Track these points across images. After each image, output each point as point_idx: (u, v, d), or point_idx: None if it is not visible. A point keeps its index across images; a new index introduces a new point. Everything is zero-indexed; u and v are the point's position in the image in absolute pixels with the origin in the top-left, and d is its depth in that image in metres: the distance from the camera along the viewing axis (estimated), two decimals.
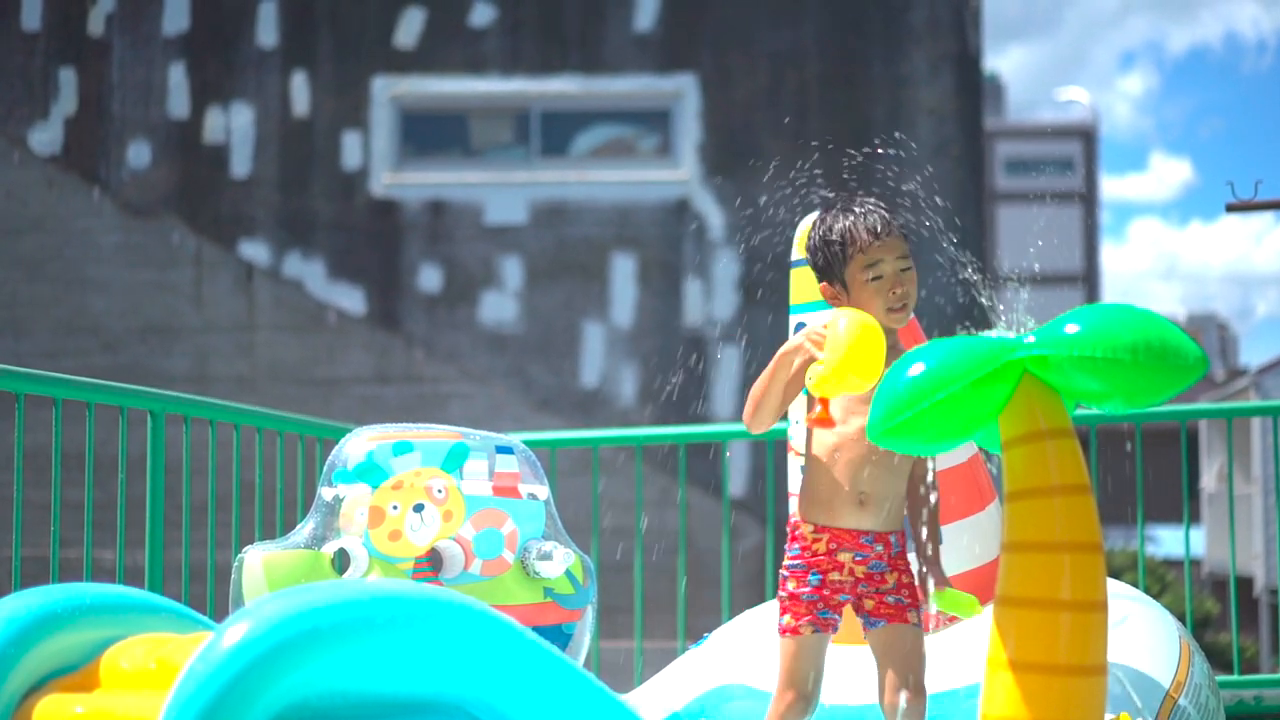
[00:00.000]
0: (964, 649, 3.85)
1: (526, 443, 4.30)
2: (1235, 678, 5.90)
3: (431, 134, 12.57)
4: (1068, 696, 2.64)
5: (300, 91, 12.30)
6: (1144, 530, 6.07)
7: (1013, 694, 2.65)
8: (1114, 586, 3.74)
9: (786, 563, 3.54)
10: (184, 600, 4.59)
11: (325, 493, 3.85)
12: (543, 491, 4.07)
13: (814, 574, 3.49)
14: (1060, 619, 2.65)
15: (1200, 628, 21.82)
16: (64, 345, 11.99)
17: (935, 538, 3.56)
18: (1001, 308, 2.96)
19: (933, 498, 3.56)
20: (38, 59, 12.36)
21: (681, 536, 6.34)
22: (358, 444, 3.89)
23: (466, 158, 12.68)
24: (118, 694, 2.64)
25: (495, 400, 12.03)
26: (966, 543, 4.14)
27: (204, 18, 12.34)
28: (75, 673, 2.73)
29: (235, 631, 2.20)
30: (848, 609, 3.52)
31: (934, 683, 3.61)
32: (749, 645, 4.35)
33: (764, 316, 11.43)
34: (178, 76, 12.31)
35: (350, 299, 12.17)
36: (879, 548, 3.49)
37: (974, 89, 12.30)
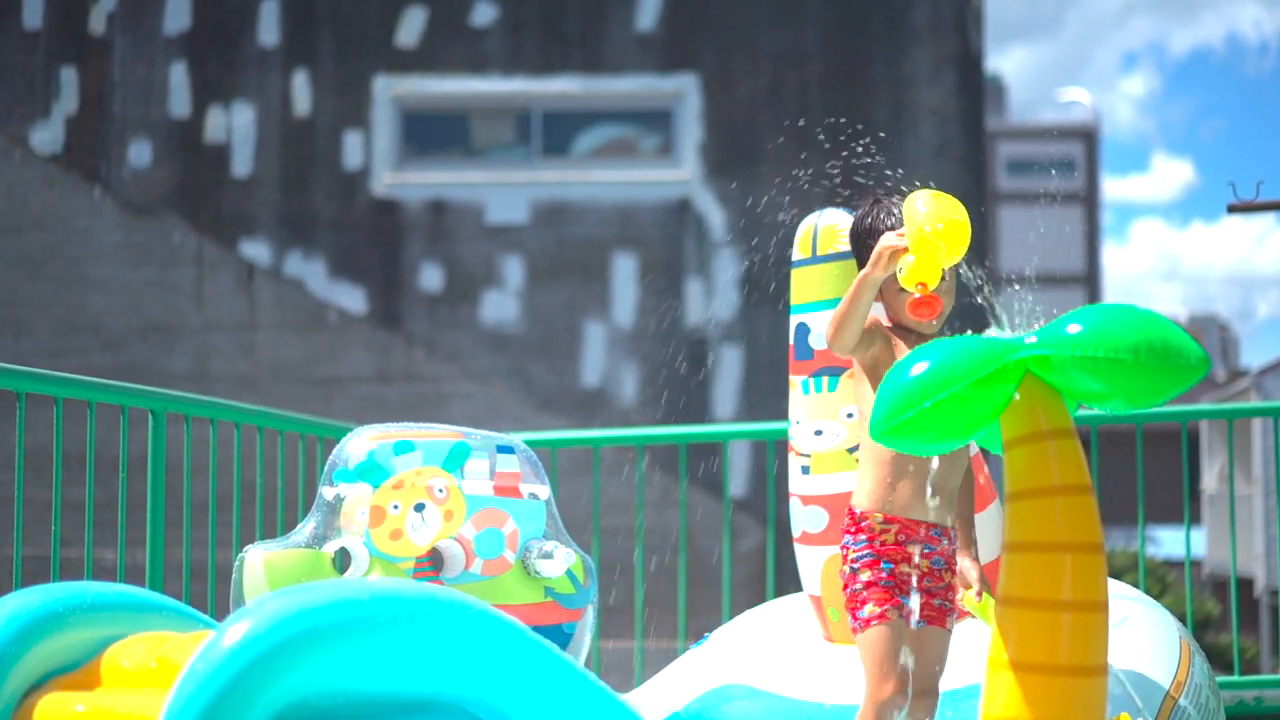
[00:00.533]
0: (964, 649, 3.84)
1: (527, 442, 4.30)
2: (1235, 678, 5.90)
3: (433, 133, 12.56)
4: (1068, 697, 2.64)
5: (301, 91, 12.29)
6: (1145, 531, 6.07)
7: (1013, 694, 2.65)
8: (1115, 587, 3.74)
9: (852, 555, 3.48)
10: (185, 599, 4.59)
11: (326, 492, 3.85)
12: (544, 491, 4.07)
13: (885, 562, 3.46)
14: (1061, 619, 2.64)
15: (1201, 628, 21.82)
16: (65, 344, 11.98)
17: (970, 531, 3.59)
18: (1002, 308, 2.96)
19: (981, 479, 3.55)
20: (39, 58, 12.35)
21: (682, 536, 6.34)
22: (359, 443, 3.89)
23: (468, 157, 12.67)
24: (118, 692, 2.64)
25: (496, 400, 12.02)
26: None
27: (205, 16, 12.33)
28: (76, 671, 2.74)
29: (236, 630, 2.20)
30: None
31: None
32: (749, 645, 4.35)
33: (764, 316, 11.43)
34: (179, 75, 12.30)
35: (351, 298, 12.16)
36: (945, 543, 3.50)
37: (976, 90, 12.29)
